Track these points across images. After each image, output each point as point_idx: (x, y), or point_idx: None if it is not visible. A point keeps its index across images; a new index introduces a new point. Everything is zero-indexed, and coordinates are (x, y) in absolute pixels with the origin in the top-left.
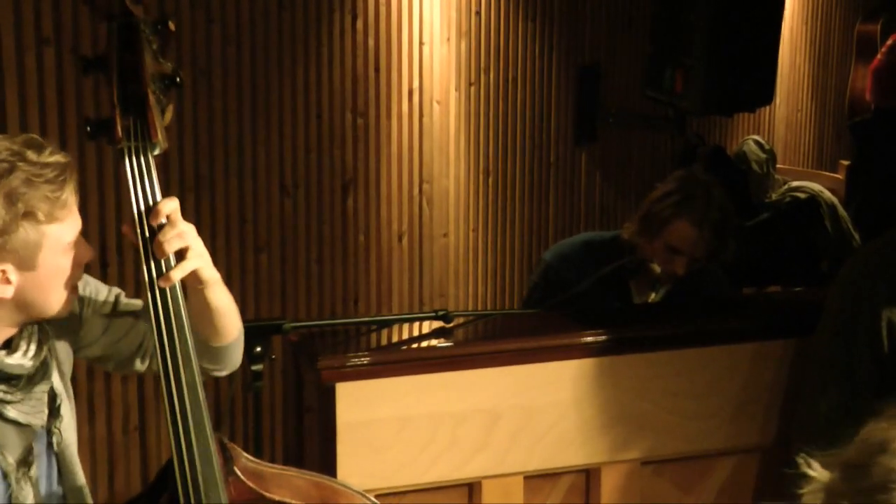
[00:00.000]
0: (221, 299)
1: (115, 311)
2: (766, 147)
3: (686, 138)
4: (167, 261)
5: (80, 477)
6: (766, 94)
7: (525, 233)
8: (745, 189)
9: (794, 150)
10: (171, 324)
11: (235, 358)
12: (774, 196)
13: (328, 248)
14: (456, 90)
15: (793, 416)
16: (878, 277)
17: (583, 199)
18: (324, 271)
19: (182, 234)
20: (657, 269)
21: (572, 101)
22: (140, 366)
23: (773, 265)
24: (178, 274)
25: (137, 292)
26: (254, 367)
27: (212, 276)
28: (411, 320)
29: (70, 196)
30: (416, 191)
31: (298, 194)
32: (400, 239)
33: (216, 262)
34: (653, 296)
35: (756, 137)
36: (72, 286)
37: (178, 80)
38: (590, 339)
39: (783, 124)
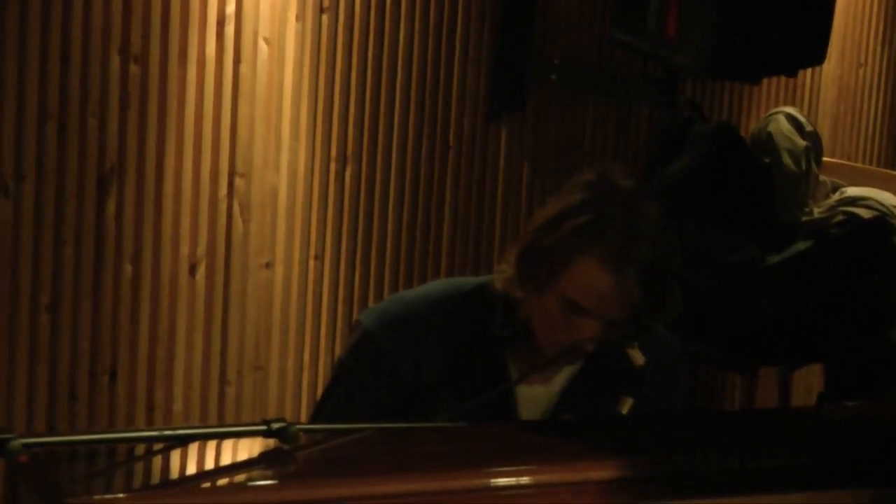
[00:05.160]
0: None
1: None
2: (808, 127)
3: (676, 110)
4: None
5: None
6: (816, 47)
7: (404, 260)
8: (768, 198)
9: (851, 134)
10: None
11: None
12: (818, 212)
13: (70, 283)
14: (298, 20)
15: None
16: None
17: (499, 206)
18: (61, 322)
19: None
20: (550, 339)
21: (489, 46)
22: None
23: (812, 329)
24: None
25: None
26: None
27: None
28: (225, 437)
29: None
30: (222, 189)
31: (23, 192)
32: (193, 270)
33: None
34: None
35: (790, 110)
36: None
37: None
38: (540, 477)
39: (834, 89)
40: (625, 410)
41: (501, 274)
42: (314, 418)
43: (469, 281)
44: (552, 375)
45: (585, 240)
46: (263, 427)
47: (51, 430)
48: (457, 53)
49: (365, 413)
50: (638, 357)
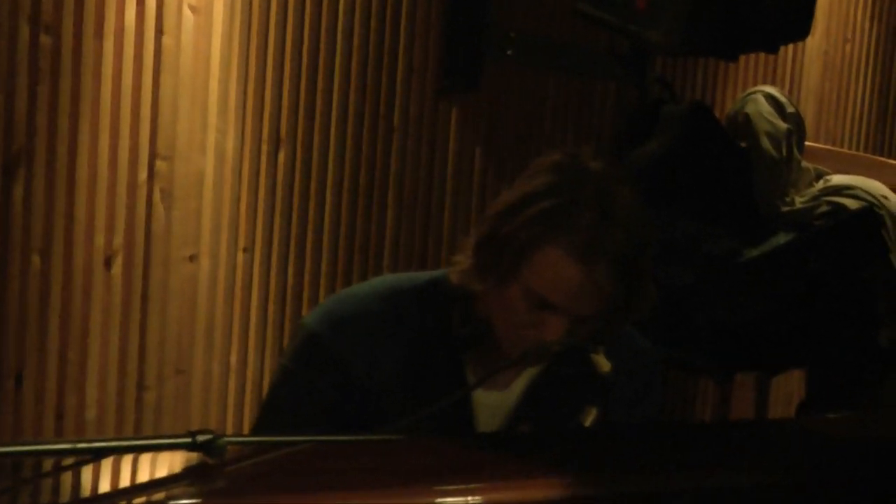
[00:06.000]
0: None
1: None
2: (789, 109)
3: (644, 89)
4: None
5: None
6: (799, 20)
7: (343, 254)
8: (746, 186)
9: (837, 116)
10: None
11: None
12: (800, 201)
13: None
14: None
15: None
16: None
17: (449, 194)
18: None
19: None
20: (512, 338)
21: (439, 16)
22: None
23: (793, 330)
24: None
25: None
26: None
27: None
28: (144, 450)
29: None
30: (142, 174)
31: None
32: (108, 263)
33: None
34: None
35: (771, 90)
36: None
37: None
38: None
39: (819, 67)
40: (588, 422)
41: (458, 266)
42: (255, 431)
43: (421, 275)
44: (512, 380)
45: (553, 226)
46: (188, 439)
47: None
48: (403, 24)
49: (313, 422)
50: (603, 363)
